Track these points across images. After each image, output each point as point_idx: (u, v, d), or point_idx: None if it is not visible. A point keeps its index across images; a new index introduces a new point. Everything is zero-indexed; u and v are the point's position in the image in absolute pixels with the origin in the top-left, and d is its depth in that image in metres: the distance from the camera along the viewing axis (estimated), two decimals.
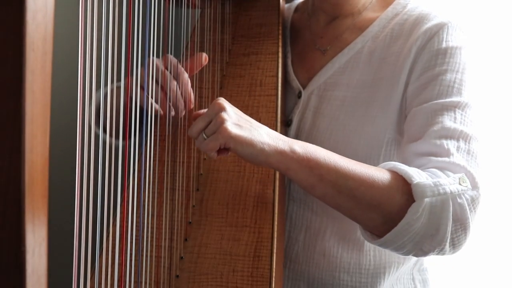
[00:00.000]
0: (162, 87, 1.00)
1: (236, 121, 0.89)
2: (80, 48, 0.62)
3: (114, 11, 0.72)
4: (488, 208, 1.66)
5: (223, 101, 0.91)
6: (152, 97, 0.98)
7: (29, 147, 0.48)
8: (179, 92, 1.01)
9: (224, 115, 0.89)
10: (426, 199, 0.88)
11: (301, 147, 0.90)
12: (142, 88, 0.96)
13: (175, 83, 1.00)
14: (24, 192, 0.47)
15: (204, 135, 0.90)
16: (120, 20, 0.75)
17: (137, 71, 0.88)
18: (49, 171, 0.51)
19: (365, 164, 0.93)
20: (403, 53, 1.06)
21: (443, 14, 1.07)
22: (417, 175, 0.90)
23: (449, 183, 0.90)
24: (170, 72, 1.00)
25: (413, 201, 0.89)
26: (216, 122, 0.89)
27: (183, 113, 1.03)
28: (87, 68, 0.63)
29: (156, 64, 0.99)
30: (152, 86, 0.98)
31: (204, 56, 1.05)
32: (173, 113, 1.02)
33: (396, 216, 0.90)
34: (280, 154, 0.89)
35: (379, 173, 0.91)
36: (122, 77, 0.79)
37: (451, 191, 0.89)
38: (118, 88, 0.80)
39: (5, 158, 0.47)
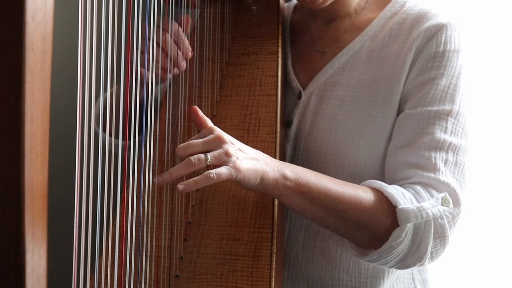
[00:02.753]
0: (162, 49, 1.01)
1: (245, 155, 0.88)
2: (80, 48, 0.62)
3: (114, 11, 0.72)
4: (487, 209, 1.66)
5: (221, 132, 0.89)
6: (152, 60, 0.97)
7: (28, 147, 0.48)
8: (176, 48, 1.02)
9: (231, 149, 0.87)
10: (409, 224, 0.93)
11: (292, 172, 0.92)
12: (142, 52, 0.95)
13: (171, 39, 1.01)
14: (24, 192, 0.47)
15: (208, 159, 0.85)
16: (120, 19, 0.74)
17: (137, 36, 0.87)
18: (49, 171, 0.51)
19: (352, 185, 0.96)
20: (403, 52, 1.06)
21: (443, 13, 1.07)
22: (402, 199, 0.94)
23: (431, 205, 0.94)
24: (168, 31, 1.01)
25: (398, 223, 0.93)
26: (226, 155, 0.86)
27: (183, 65, 1.04)
28: (87, 68, 0.63)
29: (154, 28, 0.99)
30: (152, 49, 0.97)
31: (186, 16, 1.04)
32: (175, 71, 1.03)
33: (381, 235, 0.95)
34: (275, 181, 0.90)
35: (366, 195, 0.95)
36: (122, 77, 0.79)
37: (433, 214, 0.93)
38: (117, 90, 0.80)
39: (5, 158, 0.47)
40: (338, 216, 0.94)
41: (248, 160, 0.88)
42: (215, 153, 0.86)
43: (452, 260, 1.63)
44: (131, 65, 0.85)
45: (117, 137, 0.76)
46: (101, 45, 0.68)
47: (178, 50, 1.03)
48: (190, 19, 1.06)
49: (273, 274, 0.92)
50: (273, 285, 0.91)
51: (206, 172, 0.84)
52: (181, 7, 1.10)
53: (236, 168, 0.86)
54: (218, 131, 0.89)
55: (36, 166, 0.49)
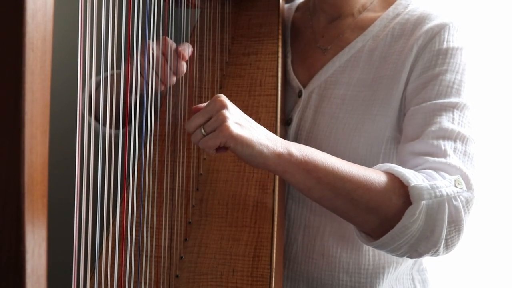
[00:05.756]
0: (158, 71, 1.00)
1: (238, 120, 0.88)
2: (80, 48, 0.62)
3: (114, 11, 0.72)
4: (487, 208, 1.66)
5: (224, 98, 0.90)
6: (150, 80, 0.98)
7: (28, 147, 0.48)
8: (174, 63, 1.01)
9: (226, 112, 0.87)
10: (423, 202, 0.89)
11: (298, 150, 0.90)
12: (141, 75, 0.96)
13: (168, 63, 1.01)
14: (24, 192, 0.47)
15: (203, 130, 0.88)
16: (120, 20, 0.74)
17: (136, 56, 0.88)
18: (49, 171, 0.51)
19: (361, 166, 0.93)
20: (405, 52, 1.07)
21: (445, 14, 1.08)
22: (414, 178, 0.90)
23: (445, 185, 0.90)
24: (168, 56, 1.00)
25: (410, 203, 0.89)
26: (217, 119, 0.87)
27: (173, 80, 1.03)
28: (87, 68, 0.63)
29: (155, 51, 0.99)
30: (151, 63, 0.98)
31: (189, 49, 1.05)
32: (173, 81, 1.03)
33: (392, 218, 0.90)
34: (278, 156, 0.88)
35: (376, 175, 0.91)
36: (122, 77, 0.79)
37: (447, 193, 0.90)
38: (112, 76, 0.79)
39: (5, 158, 0.47)
40: (346, 197, 0.90)
41: (244, 129, 0.87)
42: (210, 121, 0.88)
43: (452, 260, 1.63)
44: (131, 67, 0.85)
45: (112, 127, 0.75)
46: (101, 45, 0.68)
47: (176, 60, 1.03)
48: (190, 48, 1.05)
49: (273, 274, 0.92)
50: (273, 285, 0.91)
51: (199, 143, 0.88)
52: (181, 6, 1.10)
53: (223, 132, 0.86)
54: (221, 96, 0.90)
55: (36, 166, 0.49)
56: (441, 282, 1.66)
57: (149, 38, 0.90)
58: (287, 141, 0.91)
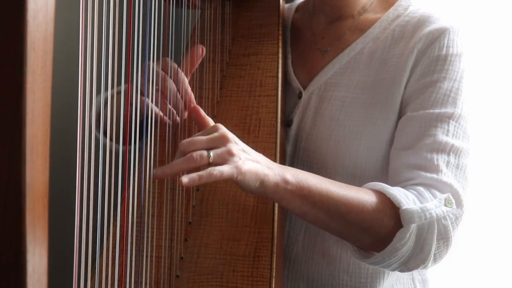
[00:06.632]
0: (162, 92, 0.99)
1: (246, 155, 0.88)
2: (81, 48, 0.62)
3: (114, 11, 0.72)
4: (487, 209, 1.66)
5: (226, 130, 0.89)
6: (152, 102, 0.97)
7: (29, 147, 0.48)
8: (178, 95, 1.01)
9: (235, 148, 0.86)
10: (413, 225, 0.92)
11: (293, 176, 0.90)
12: (142, 94, 0.95)
13: (174, 85, 1.00)
14: (25, 192, 0.47)
15: (211, 154, 0.85)
16: (121, 20, 0.75)
17: (137, 77, 0.87)
18: (50, 171, 0.51)
19: (354, 188, 0.95)
20: (405, 54, 1.07)
21: (445, 17, 1.08)
22: (405, 200, 0.93)
23: (435, 206, 0.93)
24: (170, 76, 1.00)
25: (401, 225, 0.92)
26: (229, 154, 0.85)
27: (185, 114, 1.02)
28: (88, 68, 0.63)
29: (156, 70, 0.98)
30: (152, 92, 0.97)
31: (201, 47, 1.04)
32: (177, 118, 1.01)
33: (384, 237, 0.93)
34: (276, 185, 0.89)
35: (368, 197, 0.94)
36: (123, 77, 0.79)
37: (437, 214, 0.93)
38: (119, 93, 0.80)
39: (6, 158, 0.47)
40: (340, 219, 0.93)
41: (250, 162, 0.87)
42: (218, 151, 0.85)
43: (452, 260, 1.63)
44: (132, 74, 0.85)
45: (117, 142, 0.76)
46: (102, 45, 0.68)
47: (181, 99, 1.00)
48: (202, 51, 1.03)
49: (273, 274, 0.92)
50: (273, 285, 0.91)
51: (209, 169, 0.83)
52: (181, 7, 1.10)
53: (237, 168, 0.85)
54: (223, 129, 0.89)
55: (37, 166, 0.49)
56: (441, 282, 1.66)
57: (149, 38, 0.90)
58: (282, 166, 0.92)
